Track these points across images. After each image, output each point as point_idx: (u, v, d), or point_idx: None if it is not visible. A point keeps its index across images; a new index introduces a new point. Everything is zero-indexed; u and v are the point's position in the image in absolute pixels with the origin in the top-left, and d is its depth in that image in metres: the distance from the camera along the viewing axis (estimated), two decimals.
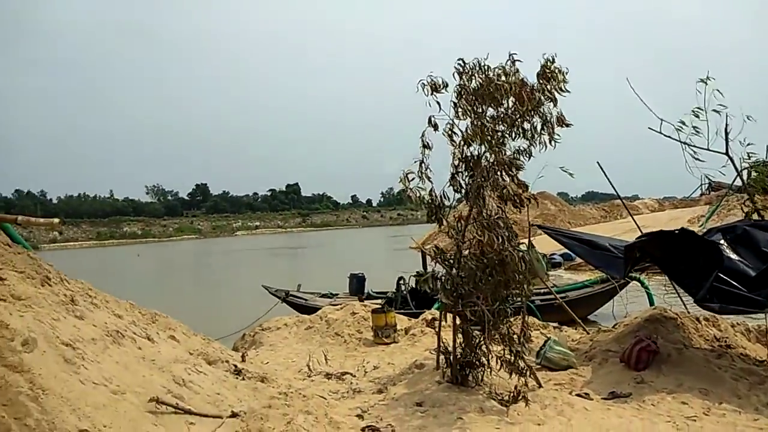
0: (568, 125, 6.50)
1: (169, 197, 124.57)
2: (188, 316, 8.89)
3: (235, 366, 6.87)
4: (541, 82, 6.43)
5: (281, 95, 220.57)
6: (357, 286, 15.43)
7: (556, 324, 10.31)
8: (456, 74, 6.48)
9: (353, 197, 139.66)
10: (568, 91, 6.45)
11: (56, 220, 6.65)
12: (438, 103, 6.38)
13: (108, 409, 4.23)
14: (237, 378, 6.53)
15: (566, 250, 13.78)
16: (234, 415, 5.22)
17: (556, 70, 6.43)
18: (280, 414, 5.33)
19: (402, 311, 12.01)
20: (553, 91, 6.42)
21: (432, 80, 6.40)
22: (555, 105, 6.44)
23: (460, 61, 6.47)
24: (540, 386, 6.45)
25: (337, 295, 15.69)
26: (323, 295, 15.88)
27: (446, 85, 6.46)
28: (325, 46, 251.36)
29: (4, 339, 4.29)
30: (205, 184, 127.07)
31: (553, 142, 6.45)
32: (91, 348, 4.84)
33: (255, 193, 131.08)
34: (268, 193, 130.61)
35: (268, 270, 33.77)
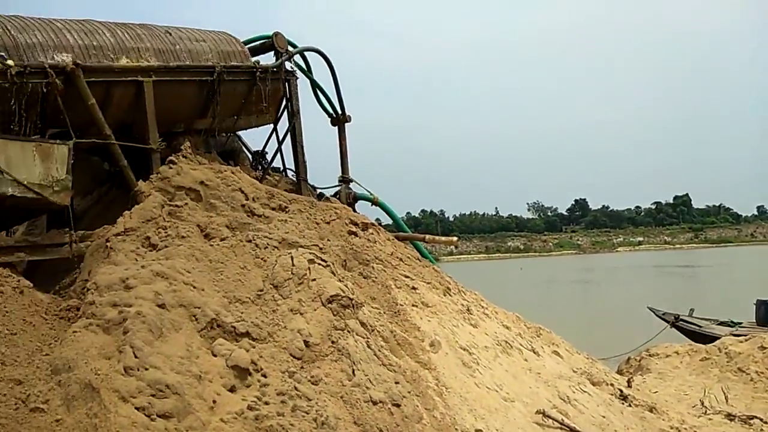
0: None
1: (549, 213, 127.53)
2: (568, 333, 8.95)
3: (621, 390, 6.62)
4: None
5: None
6: (766, 314, 13.10)
7: None
8: None
9: (760, 208, 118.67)
10: None
11: (455, 239, 7.61)
12: None
13: (499, 414, 4.61)
14: (623, 403, 6.29)
15: None
16: None
17: None
18: None
19: None
20: None
21: None
22: None
23: None
24: None
25: (740, 324, 13.65)
26: (722, 323, 14.04)
27: None
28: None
29: (416, 339, 5.10)
30: (584, 199, 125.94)
31: None
32: (484, 355, 5.35)
33: (637, 207, 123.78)
34: (653, 206, 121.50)
35: (653, 290, 31.36)
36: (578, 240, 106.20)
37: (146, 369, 3.60)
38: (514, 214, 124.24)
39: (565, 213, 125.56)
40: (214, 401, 3.66)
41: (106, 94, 5.55)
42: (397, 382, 4.40)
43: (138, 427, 3.33)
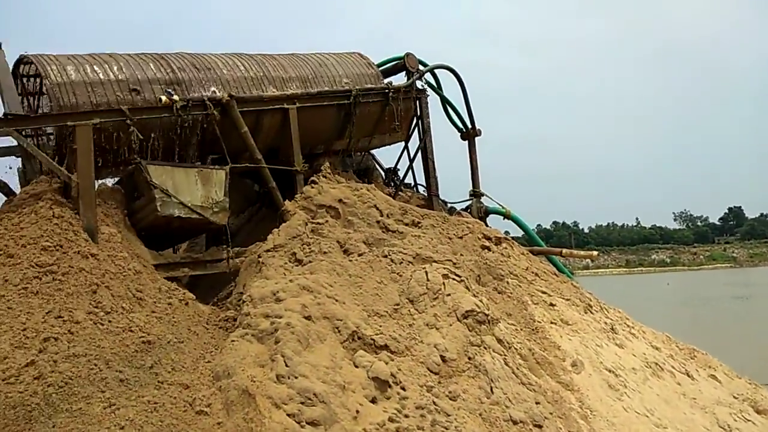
0: None
1: (698, 223, 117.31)
2: (726, 355, 8.15)
3: None
4: None
5: None
6: None
7: None
8: None
9: None
10: None
11: (595, 253, 7.28)
12: None
13: None
14: None
15: None
16: None
17: None
18: None
19: None
20: None
21: None
22: None
23: None
24: None
25: None
26: None
27: None
28: None
29: (557, 359, 4.94)
30: (739, 207, 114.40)
31: None
32: (632, 377, 5.04)
33: None
34: None
35: None
36: (733, 252, 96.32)
37: (296, 378, 3.83)
38: (657, 225, 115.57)
39: (718, 223, 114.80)
40: (357, 411, 3.80)
41: (256, 122, 6.04)
42: (537, 402, 4.29)
43: None
